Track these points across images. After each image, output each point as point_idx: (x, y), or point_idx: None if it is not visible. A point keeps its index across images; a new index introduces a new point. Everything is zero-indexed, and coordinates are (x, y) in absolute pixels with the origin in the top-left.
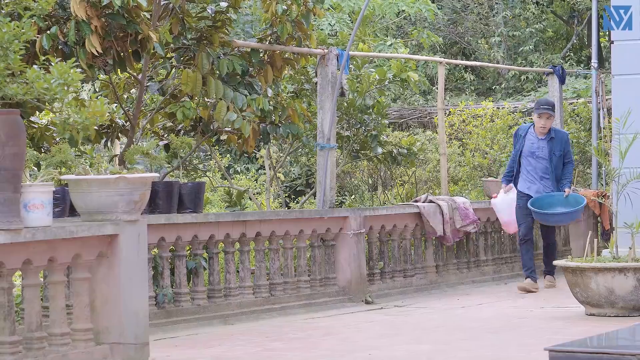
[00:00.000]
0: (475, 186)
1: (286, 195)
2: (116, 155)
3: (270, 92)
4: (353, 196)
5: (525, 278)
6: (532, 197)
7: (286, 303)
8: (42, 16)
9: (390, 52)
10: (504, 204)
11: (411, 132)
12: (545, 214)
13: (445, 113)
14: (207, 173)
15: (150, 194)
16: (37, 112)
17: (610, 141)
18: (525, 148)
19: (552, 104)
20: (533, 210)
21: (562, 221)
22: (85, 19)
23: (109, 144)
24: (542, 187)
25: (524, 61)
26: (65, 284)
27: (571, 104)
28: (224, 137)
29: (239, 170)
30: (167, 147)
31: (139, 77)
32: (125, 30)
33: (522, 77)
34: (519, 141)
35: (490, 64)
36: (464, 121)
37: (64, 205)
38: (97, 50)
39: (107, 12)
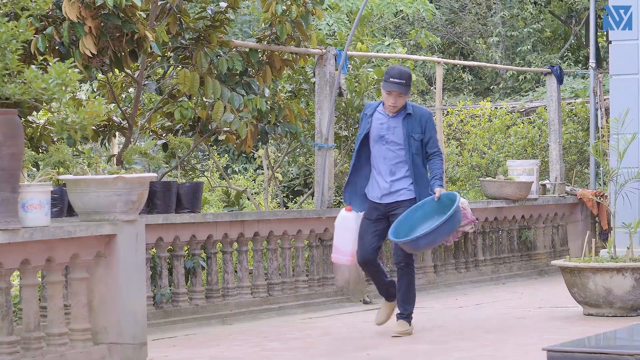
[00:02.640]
0: (473, 186)
1: (284, 195)
2: (114, 155)
3: (267, 92)
4: None
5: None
6: (379, 204)
7: (284, 303)
8: (38, 16)
9: (389, 52)
10: (356, 225)
11: None
12: (410, 242)
13: (443, 113)
14: (205, 173)
15: (148, 194)
16: (34, 111)
17: (608, 141)
18: (373, 131)
19: (407, 75)
20: (394, 241)
21: (436, 239)
22: (77, 20)
23: (107, 143)
24: (392, 187)
25: (522, 61)
26: (63, 284)
27: (569, 104)
28: (222, 137)
29: (237, 170)
30: (165, 147)
31: (136, 76)
32: (122, 30)
33: (520, 77)
34: (363, 124)
35: (488, 64)
36: (462, 121)
37: (62, 205)
38: (91, 52)
39: (102, 12)
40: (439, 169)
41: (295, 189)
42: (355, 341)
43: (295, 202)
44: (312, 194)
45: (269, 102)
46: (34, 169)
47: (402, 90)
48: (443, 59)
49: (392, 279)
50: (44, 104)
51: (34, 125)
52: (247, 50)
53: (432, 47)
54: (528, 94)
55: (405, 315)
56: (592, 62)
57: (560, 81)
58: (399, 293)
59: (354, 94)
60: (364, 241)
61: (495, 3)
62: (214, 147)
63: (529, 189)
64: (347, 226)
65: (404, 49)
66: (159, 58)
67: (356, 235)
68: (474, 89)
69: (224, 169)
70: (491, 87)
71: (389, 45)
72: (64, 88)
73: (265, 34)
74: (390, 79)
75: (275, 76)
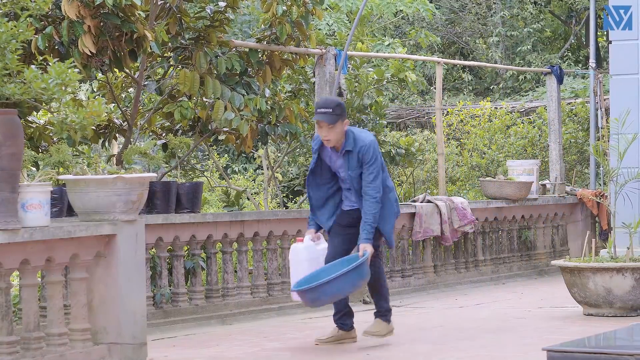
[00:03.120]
0: (473, 186)
1: (284, 195)
2: (114, 155)
3: (267, 92)
4: None
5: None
6: (352, 210)
7: (284, 303)
8: (37, 16)
9: (388, 52)
10: (308, 255)
11: (409, 132)
12: (307, 292)
13: (443, 113)
14: (205, 173)
15: (148, 194)
16: (34, 111)
17: (608, 141)
18: (330, 166)
19: (333, 104)
20: (293, 290)
21: (333, 292)
22: (76, 19)
23: (106, 144)
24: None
25: (521, 61)
26: (63, 284)
27: (569, 104)
28: (222, 137)
29: (237, 170)
30: (165, 147)
31: (136, 76)
32: (121, 29)
33: (520, 77)
34: (313, 158)
35: (488, 64)
36: (461, 121)
37: (61, 205)
38: (90, 50)
39: (101, 11)
40: (367, 216)
41: (295, 189)
42: (354, 341)
43: (295, 202)
44: None
45: (269, 103)
46: (34, 169)
47: (328, 119)
48: (443, 59)
49: (351, 308)
50: (44, 104)
51: (34, 125)
52: (247, 50)
53: (432, 47)
54: (528, 94)
55: (381, 313)
56: (592, 62)
57: (560, 81)
58: (372, 295)
59: (353, 94)
60: (334, 243)
61: (495, 3)
62: (214, 147)
63: (529, 189)
64: (298, 258)
65: (404, 49)
66: (158, 58)
67: (309, 264)
68: (474, 89)
69: (224, 169)
70: (491, 87)
71: (388, 45)
72: (63, 88)
73: (265, 34)
74: (317, 110)
75: (275, 76)
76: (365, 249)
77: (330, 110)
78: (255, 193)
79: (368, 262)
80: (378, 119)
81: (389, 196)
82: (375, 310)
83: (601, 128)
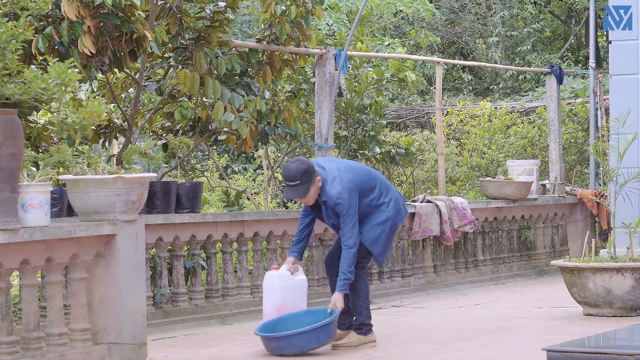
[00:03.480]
0: (473, 186)
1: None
2: (114, 155)
3: (267, 94)
4: None
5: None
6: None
7: None
8: (37, 16)
9: (388, 52)
10: (280, 283)
11: (409, 132)
12: (270, 339)
13: (443, 113)
14: (205, 173)
15: (148, 194)
16: (34, 111)
17: (608, 141)
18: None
19: (300, 173)
20: (257, 334)
21: (298, 345)
22: (76, 19)
23: (106, 144)
24: None
25: (521, 61)
26: (62, 284)
27: (569, 104)
28: (222, 137)
29: (237, 170)
30: (165, 147)
31: (137, 76)
32: (121, 29)
33: (520, 77)
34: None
35: (488, 64)
36: (461, 121)
37: (61, 205)
38: (90, 50)
39: (101, 11)
40: (343, 264)
41: None
42: None
43: (295, 202)
44: None
45: (268, 104)
46: (34, 169)
47: (300, 193)
48: (443, 59)
49: (350, 308)
50: (44, 104)
51: (34, 125)
52: (247, 50)
53: (432, 47)
54: (528, 94)
55: (356, 326)
56: (592, 62)
57: (560, 81)
58: (350, 300)
59: (353, 93)
60: (337, 244)
61: (495, 3)
62: (214, 147)
63: (528, 189)
64: (271, 286)
65: (404, 49)
66: (159, 59)
67: (281, 293)
68: (474, 89)
69: (224, 169)
70: (491, 87)
71: (388, 45)
72: (63, 88)
73: (265, 34)
74: (287, 183)
75: (276, 76)
76: (335, 303)
77: (299, 182)
78: (255, 193)
79: (336, 320)
80: (378, 118)
81: (386, 212)
82: (354, 322)
83: (601, 128)
